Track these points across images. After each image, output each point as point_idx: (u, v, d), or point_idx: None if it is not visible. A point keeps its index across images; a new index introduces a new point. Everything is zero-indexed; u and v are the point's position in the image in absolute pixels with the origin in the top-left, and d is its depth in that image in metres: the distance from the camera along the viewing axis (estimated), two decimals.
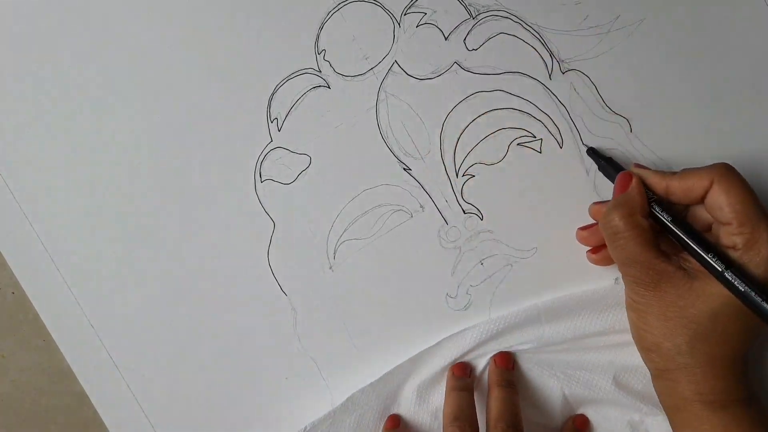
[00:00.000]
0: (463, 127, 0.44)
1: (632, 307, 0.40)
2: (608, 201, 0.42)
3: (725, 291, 0.37)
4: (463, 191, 0.45)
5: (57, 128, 0.44)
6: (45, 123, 0.44)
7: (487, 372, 0.45)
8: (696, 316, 0.38)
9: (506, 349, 0.45)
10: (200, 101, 0.44)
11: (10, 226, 0.44)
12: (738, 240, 0.37)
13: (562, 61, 0.45)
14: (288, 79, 0.44)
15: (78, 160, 0.44)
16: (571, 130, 0.45)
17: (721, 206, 0.38)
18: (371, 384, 0.44)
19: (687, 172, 0.40)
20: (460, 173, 0.45)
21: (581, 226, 0.44)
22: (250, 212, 0.44)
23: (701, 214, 0.40)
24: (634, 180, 0.40)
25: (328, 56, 0.44)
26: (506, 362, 0.45)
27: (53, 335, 0.45)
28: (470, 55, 0.44)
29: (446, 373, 0.45)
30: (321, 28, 0.44)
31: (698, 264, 0.38)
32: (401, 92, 0.44)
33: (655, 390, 0.41)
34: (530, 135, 0.45)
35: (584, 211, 0.44)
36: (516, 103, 0.44)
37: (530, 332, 0.44)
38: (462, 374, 0.44)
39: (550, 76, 0.45)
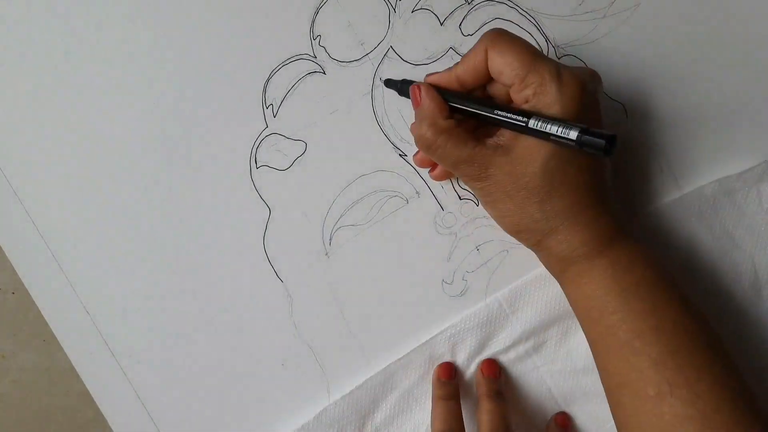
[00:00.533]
0: None
1: (484, 203, 0.41)
2: None
3: (542, 145, 0.37)
4: None
5: (56, 121, 0.44)
6: (45, 119, 0.43)
7: (470, 378, 0.45)
8: (531, 182, 0.37)
9: (486, 354, 0.45)
10: (195, 88, 0.44)
11: (12, 223, 0.44)
12: (527, 92, 0.37)
13: (558, 46, 0.45)
14: (283, 64, 0.44)
15: (76, 154, 0.44)
16: None
17: (501, 70, 0.38)
18: (343, 397, 0.44)
19: (466, 54, 0.39)
20: None
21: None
22: (245, 199, 0.44)
23: (497, 91, 0.40)
24: (422, 88, 0.40)
25: (324, 42, 0.44)
26: (493, 371, 0.45)
27: (55, 332, 0.44)
28: (466, 41, 0.44)
29: (431, 377, 0.44)
30: (316, 13, 0.44)
31: (509, 133, 0.38)
32: (397, 78, 0.44)
33: (543, 264, 0.41)
34: None
35: None
36: None
37: (499, 326, 0.45)
38: (447, 377, 0.44)
39: None
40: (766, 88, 0.45)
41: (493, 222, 0.45)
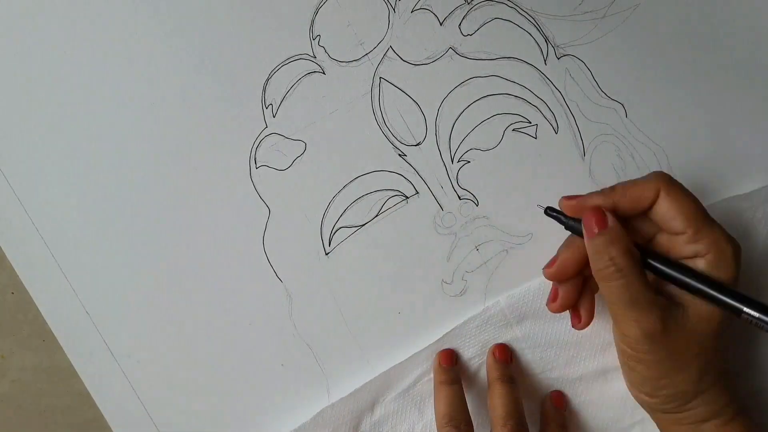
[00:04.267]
0: (459, 113, 0.44)
1: (639, 360, 0.38)
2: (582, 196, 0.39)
3: (717, 310, 0.37)
4: (459, 177, 0.45)
5: (56, 121, 0.44)
6: (45, 119, 0.43)
7: (482, 365, 0.45)
8: (703, 343, 0.38)
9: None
10: (194, 87, 0.44)
11: (12, 223, 0.44)
12: (699, 247, 0.37)
13: (558, 46, 0.44)
14: (283, 64, 0.44)
15: (76, 154, 0.44)
16: (567, 116, 0.45)
17: (673, 216, 0.37)
18: (341, 399, 0.44)
19: (629, 184, 0.38)
20: (456, 159, 0.45)
21: (546, 269, 0.40)
22: (245, 199, 0.44)
23: (641, 226, 0.39)
24: (610, 216, 0.37)
25: (323, 42, 0.44)
26: (505, 356, 0.45)
27: (54, 332, 0.44)
28: (465, 41, 0.44)
29: (432, 366, 0.44)
30: (316, 13, 0.44)
31: (678, 289, 0.38)
32: (396, 78, 0.44)
33: (661, 428, 0.41)
34: (525, 120, 0.44)
35: None
36: (511, 88, 0.44)
37: (502, 333, 0.45)
38: (448, 364, 0.44)
39: (545, 61, 0.45)
40: (765, 88, 0.45)
41: (491, 222, 0.45)
